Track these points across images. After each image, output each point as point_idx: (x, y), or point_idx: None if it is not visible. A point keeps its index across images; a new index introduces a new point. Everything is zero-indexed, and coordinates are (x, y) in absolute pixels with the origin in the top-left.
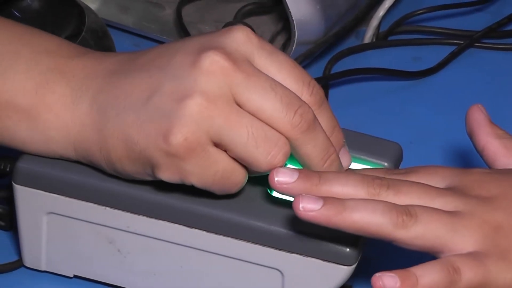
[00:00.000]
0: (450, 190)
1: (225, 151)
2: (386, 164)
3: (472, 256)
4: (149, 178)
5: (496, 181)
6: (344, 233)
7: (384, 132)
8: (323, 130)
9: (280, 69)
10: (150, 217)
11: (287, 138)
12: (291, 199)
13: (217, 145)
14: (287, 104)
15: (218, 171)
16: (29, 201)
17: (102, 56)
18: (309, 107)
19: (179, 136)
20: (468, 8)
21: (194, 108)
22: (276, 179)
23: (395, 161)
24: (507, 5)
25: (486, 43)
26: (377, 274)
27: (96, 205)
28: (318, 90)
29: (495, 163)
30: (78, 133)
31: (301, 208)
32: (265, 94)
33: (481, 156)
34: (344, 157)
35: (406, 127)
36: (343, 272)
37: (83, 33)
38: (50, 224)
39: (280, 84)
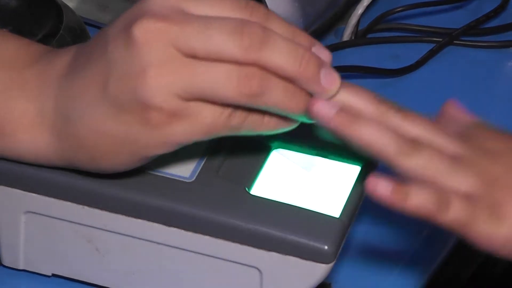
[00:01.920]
0: (458, 133)
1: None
2: (362, 163)
3: (466, 196)
4: (138, 164)
5: (507, 140)
6: (322, 231)
7: None
8: (281, 35)
9: (212, 4)
10: (128, 215)
11: (250, 63)
12: (270, 197)
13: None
14: (229, 32)
15: (206, 120)
16: (6, 200)
17: (54, 58)
18: (253, 22)
19: (158, 108)
20: (447, 6)
21: (152, 81)
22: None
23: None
24: (485, 2)
25: (465, 41)
26: (374, 177)
27: (74, 204)
28: (258, 7)
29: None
30: (51, 144)
31: (315, 110)
32: (204, 34)
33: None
34: (321, 53)
35: None
36: (322, 270)
37: (61, 32)
38: (28, 223)
39: (215, 17)
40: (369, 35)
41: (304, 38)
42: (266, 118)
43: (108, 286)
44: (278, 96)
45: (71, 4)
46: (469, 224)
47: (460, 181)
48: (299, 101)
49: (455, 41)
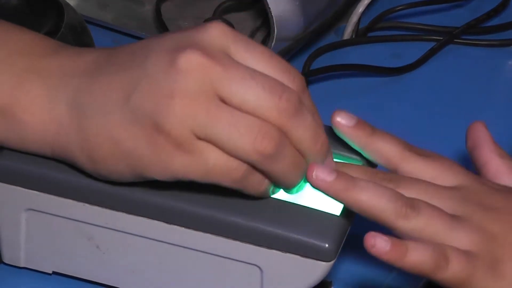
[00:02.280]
0: (455, 190)
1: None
2: (364, 161)
3: (465, 253)
4: (132, 179)
5: (504, 196)
6: (323, 229)
7: None
8: (310, 113)
9: (259, 60)
10: (129, 213)
11: (276, 126)
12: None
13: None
14: (270, 90)
15: (208, 163)
16: (7, 197)
17: (77, 54)
18: (293, 90)
19: (165, 135)
20: (448, 5)
21: (176, 108)
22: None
23: None
24: (486, 1)
25: (466, 39)
26: (372, 233)
27: (75, 202)
28: (299, 77)
29: (495, 180)
30: (56, 133)
31: (313, 176)
32: (246, 83)
33: (479, 171)
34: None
35: (385, 123)
36: (322, 268)
37: (62, 30)
38: (29, 220)
39: (260, 72)
40: (370, 34)
41: (319, 121)
42: (264, 184)
43: (109, 284)
44: (285, 164)
45: (72, 2)
46: (468, 281)
47: (459, 239)
48: (298, 174)
49: (455, 40)
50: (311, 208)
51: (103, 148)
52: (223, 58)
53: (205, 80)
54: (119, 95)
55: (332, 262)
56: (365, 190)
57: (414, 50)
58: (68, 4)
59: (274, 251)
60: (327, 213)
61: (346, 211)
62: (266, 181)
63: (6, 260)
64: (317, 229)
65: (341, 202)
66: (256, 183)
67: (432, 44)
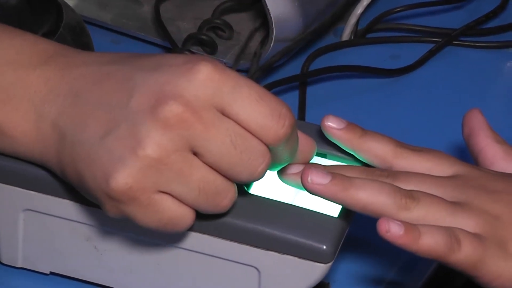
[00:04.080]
0: (453, 179)
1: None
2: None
3: (475, 235)
4: None
5: (503, 179)
6: (320, 231)
7: None
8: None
9: (245, 107)
10: None
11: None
12: (269, 197)
13: (165, 193)
14: (247, 160)
15: (162, 219)
16: (5, 198)
17: (66, 67)
18: (269, 159)
19: (121, 182)
20: (446, 6)
21: (143, 159)
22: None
23: None
24: (485, 3)
25: (464, 41)
26: (385, 218)
27: (72, 202)
28: (290, 120)
29: (492, 166)
30: (42, 152)
31: (309, 181)
32: (224, 149)
33: (476, 158)
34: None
35: (384, 125)
36: (320, 269)
37: (61, 30)
38: (26, 221)
39: (243, 136)
40: (369, 35)
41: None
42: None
43: (106, 285)
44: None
45: (71, 2)
46: (479, 263)
47: (463, 224)
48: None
49: (454, 41)
50: (309, 209)
51: (72, 178)
52: (206, 113)
53: (182, 136)
54: (95, 131)
55: (330, 263)
56: (362, 188)
57: (412, 52)
58: (67, 4)
59: (272, 252)
60: (325, 214)
61: (344, 213)
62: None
63: (3, 260)
64: (315, 230)
65: (339, 203)
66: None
67: (431, 45)
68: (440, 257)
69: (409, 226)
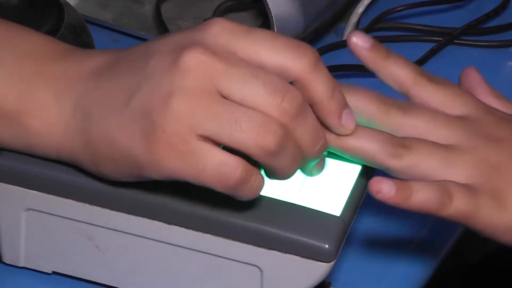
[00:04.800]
0: (464, 121)
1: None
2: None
3: (467, 187)
4: (134, 179)
5: None
6: (323, 230)
7: None
8: (313, 114)
9: (261, 47)
10: (129, 213)
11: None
12: (271, 196)
13: (205, 139)
14: (272, 90)
15: (206, 165)
16: (7, 197)
17: (83, 57)
18: (297, 92)
19: (159, 134)
20: (448, 5)
21: (173, 106)
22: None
23: None
24: (486, 2)
25: (465, 40)
26: (376, 178)
27: (74, 202)
28: (311, 50)
29: None
30: (62, 136)
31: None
32: (247, 81)
33: None
34: (348, 119)
35: None
36: (322, 268)
37: (62, 29)
38: (28, 220)
39: (264, 70)
40: (370, 34)
41: (339, 97)
42: (253, 193)
43: (109, 284)
44: (285, 159)
45: (72, 2)
46: (472, 214)
47: (455, 174)
48: (295, 169)
49: (455, 41)
50: (311, 208)
51: (103, 150)
52: (225, 54)
53: (206, 77)
54: (120, 99)
55: (332, 263)
56: (354, 135)
57: (414, 51)
58: (68, 4)
59: (274, 251)
60: (327, 213)
61: (347, 212)
62: (255, 190)
63: (5, 260)
64: (317, 229)
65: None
66: (246, 193)
67: (432, 45)
68: (432, 212)
69: (400, 184)
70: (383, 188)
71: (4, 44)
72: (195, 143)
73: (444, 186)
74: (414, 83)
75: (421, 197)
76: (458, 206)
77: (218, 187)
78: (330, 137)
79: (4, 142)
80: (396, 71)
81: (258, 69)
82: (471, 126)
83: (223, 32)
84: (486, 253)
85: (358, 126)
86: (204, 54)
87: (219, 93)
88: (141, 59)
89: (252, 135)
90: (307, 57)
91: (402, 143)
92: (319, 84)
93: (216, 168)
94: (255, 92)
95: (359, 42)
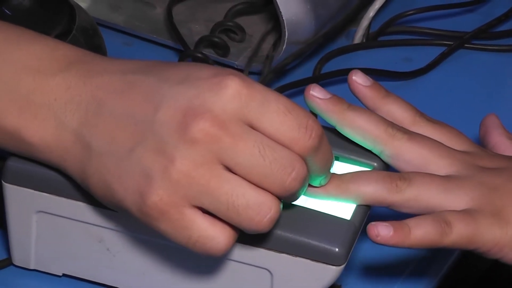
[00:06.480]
0: (463, 153)
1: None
2: (375, 164)
3: (465, 211)
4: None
5: (509, 158)
6: (333, 233)
7: None
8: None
9: (273, 120)
10: None
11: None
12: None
13: (200, 208)
14: (277, 170)
15: (192, 236)
16: (18, 199)
17: (87, 74)
18: (303, 168)
19: (154, 197)
20: (459, 9)
21: (174, 174)
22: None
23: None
24: (497, 6)
25: (477, 44)
26: (373, 223)
27: (85, 204)
28: (317, 132)
29: None
30: (61, 157)
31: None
32: (253, 160)
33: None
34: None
35: None
36: (332, 272)
37: (74, 32)
38: (39, 222)
39: (271, 146)
40: (381, 38)
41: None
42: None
43: (119, 287)
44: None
45: (83, 4)
46: (475, 235)
47: (457, 199)
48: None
49: (466, 45)
50: (321, 212)
51: (97, 188)
52: (233, 126)
53: (212, 150)
54: (123, 144)
55: (342, 266)
56: (351, 181)
57: (424, 55)
58: (79, 6)
59: (284, 255)
60: (337, 217)
61: (357, 215)
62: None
63: (16, 262)
64: (327, 233)
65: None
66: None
67: (443, 48)
68: (435, 244)
69: (397, 224)
70: (380, 231)
71: (2, 55)
72: (189, 214)
73: (440, 216)
74: (413, 123)
75: (420, 232)
76: (459, 231)
77: (204, 255)
78: (330, 187)
79: (10, 151)
80: (395, 110)
81: (265, 145)
82: (469, 159)
83: (237, 98)
84: (494, 261)
85: (355, 172)
86: (212, 127)
87: (223, 166)
88: (149, 104)
89: (246, 221)
90: (312, 139)
91: (401, 176)
92: (318, 164)
93: (206, 241)
94: (260, 171)
95: (359, 80)
